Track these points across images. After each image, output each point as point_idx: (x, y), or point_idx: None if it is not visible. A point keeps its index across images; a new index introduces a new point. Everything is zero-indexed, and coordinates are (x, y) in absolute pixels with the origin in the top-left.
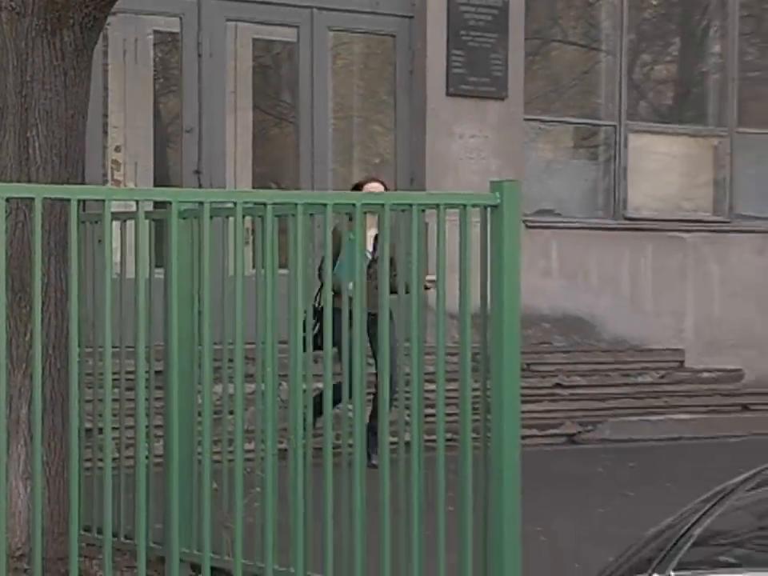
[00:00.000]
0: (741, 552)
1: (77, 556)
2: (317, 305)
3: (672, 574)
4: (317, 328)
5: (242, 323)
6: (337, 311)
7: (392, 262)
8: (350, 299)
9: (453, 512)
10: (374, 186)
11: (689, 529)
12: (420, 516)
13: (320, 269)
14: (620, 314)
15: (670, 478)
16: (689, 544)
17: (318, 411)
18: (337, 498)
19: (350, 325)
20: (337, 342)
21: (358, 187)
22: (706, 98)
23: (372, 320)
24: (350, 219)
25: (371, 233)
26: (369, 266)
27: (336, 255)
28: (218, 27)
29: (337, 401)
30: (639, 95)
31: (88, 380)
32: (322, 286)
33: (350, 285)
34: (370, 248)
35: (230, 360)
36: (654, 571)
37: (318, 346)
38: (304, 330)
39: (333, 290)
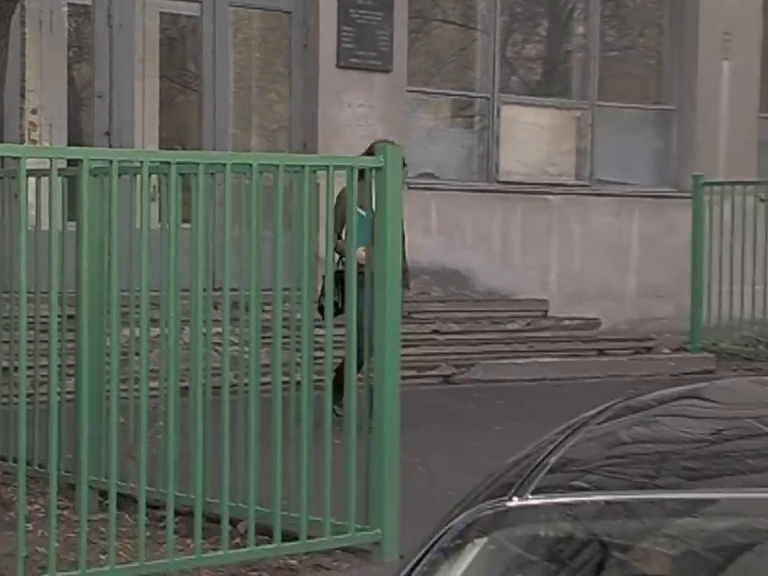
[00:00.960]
0: (591, 477)
1: None
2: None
3: (530, 497)
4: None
5: (147, 273)
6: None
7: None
8: (358, 264)
9: (339, 444)
10: None
11: (545, 457)
12: (309, 446)
13: (337, 234)
14: (492, 267)
15: (533, 415)
16: (545, 471)
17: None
18: (233, 431)
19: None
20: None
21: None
22: (570, 74)
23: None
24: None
25: None
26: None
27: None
28: (128, 1)
29: (360, 364)
30: (511, 71)
31: (5, 323)
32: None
33: (359, 249)
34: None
35: (137, 306)
36: (513, 494)
37: (340, 309)
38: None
39: (340, 254)
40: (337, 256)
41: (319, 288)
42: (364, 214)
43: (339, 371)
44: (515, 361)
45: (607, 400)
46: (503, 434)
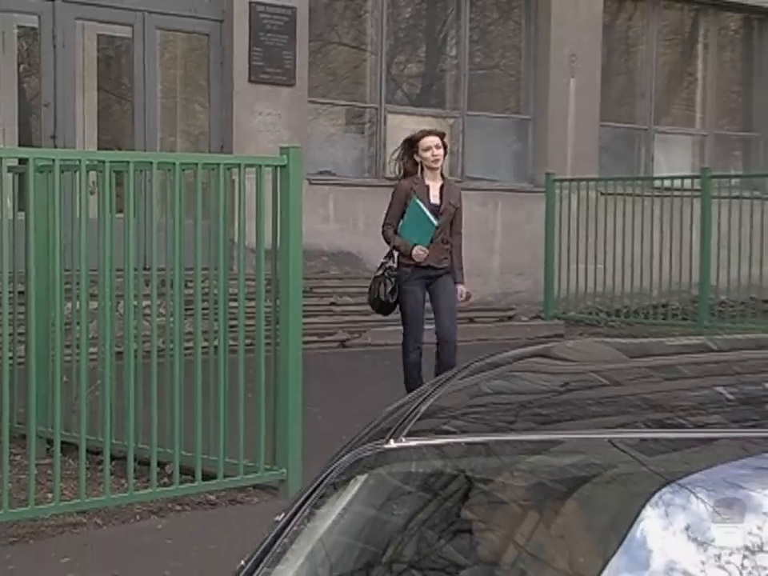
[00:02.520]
0: (456, 423)
1: None
2: (391, 264)
3: (404, 439)
4: (390, 289)
5: (86, 255)
6: (401, 271)
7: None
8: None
9: (251, 398)
10: (433, 140)
11: (417, 406)
12: (225, 400)
13: (383, 231)
14: (379, 250)
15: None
16: (417, 417)
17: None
18: (161, 388)
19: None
20: (400, 302)
21: (412, 141)
22: (444, 89)
23: (434, 276)
24: (403, 177)
25: (436, 184)
26: (435, 217)
27: (398, 211)
28: (69, 24)
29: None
30: (395, 85)
31: None
32: (393, 246)
33: (418, 249)
34: (436, 200)
35: (78, 283)
36: (390, 437)
37: (392, 305)
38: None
39: (399, 250)
40: (387, 249)
41: (371, 286)
42: (424, 208)
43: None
44: (399, 328)
45: (473, 359)
46: (388, 389)
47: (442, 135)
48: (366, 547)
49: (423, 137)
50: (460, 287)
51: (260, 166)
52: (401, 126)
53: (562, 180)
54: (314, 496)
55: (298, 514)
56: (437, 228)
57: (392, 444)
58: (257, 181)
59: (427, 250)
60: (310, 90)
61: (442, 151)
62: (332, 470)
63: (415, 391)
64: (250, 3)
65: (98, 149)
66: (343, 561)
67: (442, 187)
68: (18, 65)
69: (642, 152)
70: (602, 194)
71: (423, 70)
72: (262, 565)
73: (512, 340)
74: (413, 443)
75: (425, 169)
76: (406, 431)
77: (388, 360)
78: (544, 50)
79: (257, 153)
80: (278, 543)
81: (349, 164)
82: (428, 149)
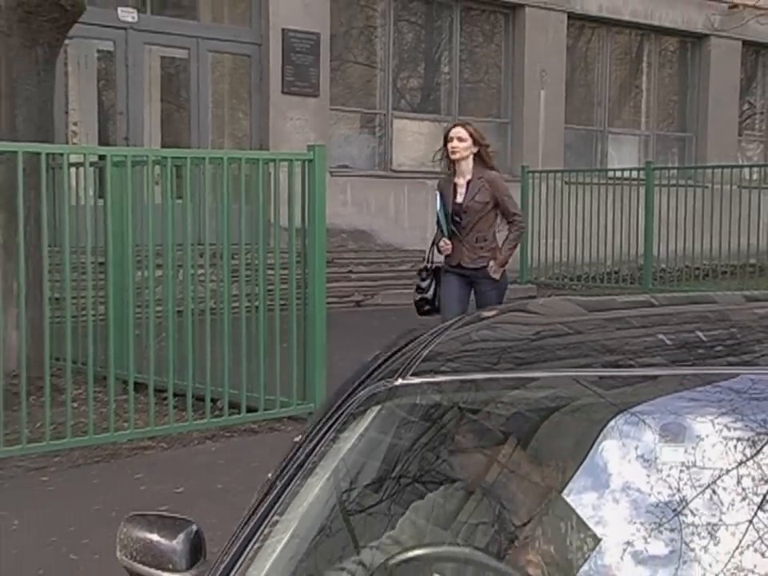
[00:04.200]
0: (452, 365)
1: (49, 375)
2: (428, 265)
3: (409, 377)
4: (432, 289)
5: (152, 233)
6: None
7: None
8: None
9: (285, 347)
10: (455, 131)
11: (420, 351)
12: (265, 349)
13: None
14: (388, 228)
15: (415, 326)
16: (420, 360)
17: None
18: (214, 339)
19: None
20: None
21: (444, 135)
22: (440, 98)
23: (471, 276)
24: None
25: (462, 180)
26: (457, 215)
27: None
28: (138, 48)
29: None
30: (400, 95)
31: (57, 268)
32: (433, 244)
33: (441, 242)
34: (459, 198)
35: (146, 255)
36: (398, 376)
37: (436, 308)
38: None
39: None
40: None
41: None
42: (438, 208)
43: None
44: (403, 291)
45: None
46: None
47: (465, 125)
48: (379, 465)
49: (448, 131)
50: (491, 262)
51: (291, 160)
52: (404, 128)
53: (534, 172)
54: (337, 423)
55: (325, 438)
56: (461, 226)
57: (400, 381)
58: (289, 173)
59: (449, 242)
60: (331, 99)
61: (461, 144)
62: (351, 403)
63: (417, 340)
64: (283, 30)
65: (161, 148)
66: (361, 476)
67: (469, 183)
68: (98, 81)
69: (599, 149)
70: (566, 183)
71: (422, 83)
72: (296, 478)
73: None
74: (417, 381)
75: (454, 163)
76: (411, 371)
77: (395, 316)
78: (519, 67)
79: (289, 150)
80: (308, 461)
81: (362, 159)
82: (449, 140)
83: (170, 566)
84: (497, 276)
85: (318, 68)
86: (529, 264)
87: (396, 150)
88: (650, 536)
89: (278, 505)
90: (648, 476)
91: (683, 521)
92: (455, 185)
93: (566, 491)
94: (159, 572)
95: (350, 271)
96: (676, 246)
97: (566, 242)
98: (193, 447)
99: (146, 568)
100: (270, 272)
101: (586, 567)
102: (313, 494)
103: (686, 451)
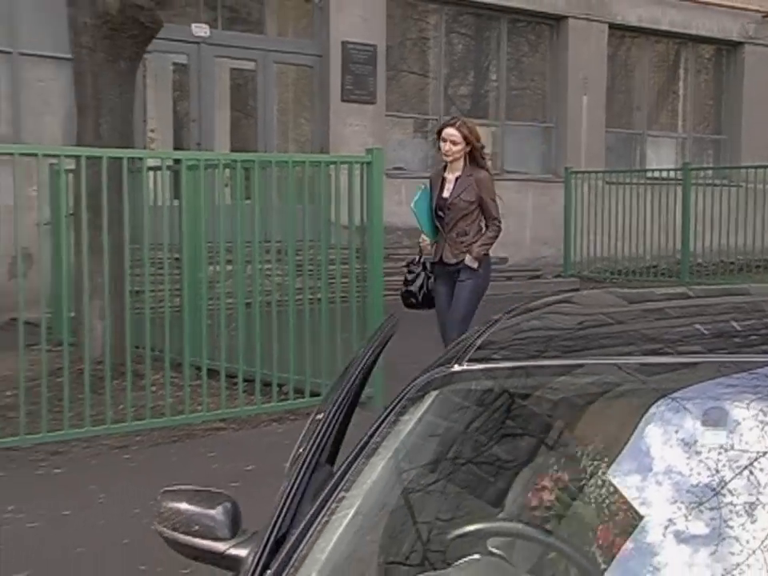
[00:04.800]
0: (503, 352)
1: (130, 361)
2: (417, 257)
3: (465, 364)
4: (417, 283)
5: (223, 230)
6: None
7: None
8: (420, 250)
9: (346, 337)
10: (448, 133)
11: (474, 340)
12: (327, 338)
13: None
14: None
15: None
16: (475, 348)
17: None
18: (280, 329)
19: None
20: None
21: (438, 131)
22: (488, 104)
23: (453, 272)
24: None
25: (452, 176)
26: (441, 210)
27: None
28: (210, 61)
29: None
30: (451, 102)
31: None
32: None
33: (420, 239)
34: (446, 193)
35: (217, 252)
36: (455, 363)
37: (417, 298)
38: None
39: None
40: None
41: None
42: (415, 201)
43: None
44: None
45: (491, 307)
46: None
47: (460, 126)
48: (435, 447)
49: (442, 128)
50: (468, 256)
51: (351, 163)
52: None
53: (577, 172)
54: (397, 407)
55: (386, 421)
56: (444, 222)
57: (456, 368)
58: (349, 174)
59: (427, 240)
60: (387, 106)
61: (454, 147)
62: (410, 388)
63: (472, 330)
64: (343, 43)
65: (231, 152)
66: (419, 456)
67: (458, 179)
68: (173, 92)
69: (638, 151)
70: (607, 183)
71: (472, 90)
72: (360, 457)
73: (539, 293)
74: (471, 367)
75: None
76: (466, 358)
77: None
78: (563, 74)
79: (348, 153)
80: (372, 441)
81: (416, 162)
82: (443, 141)
83: (215, 536)
84: (473, 264)
85: (374, 77)
86: (572, 259)
87: None
88: (691, 515)
89: (343, 482)
90: (689, 458)
91: (723, 501)
92: (444, 179)
93: (610, 472)
94: (205, 541)
95: (407, 265)
96: (711, 242)
97: (607, 238)
98: (261, 429)
99: (191, 538)
100: (331, 267)
101: (630, 545)
102: (375, 473)
103: (724, 434)
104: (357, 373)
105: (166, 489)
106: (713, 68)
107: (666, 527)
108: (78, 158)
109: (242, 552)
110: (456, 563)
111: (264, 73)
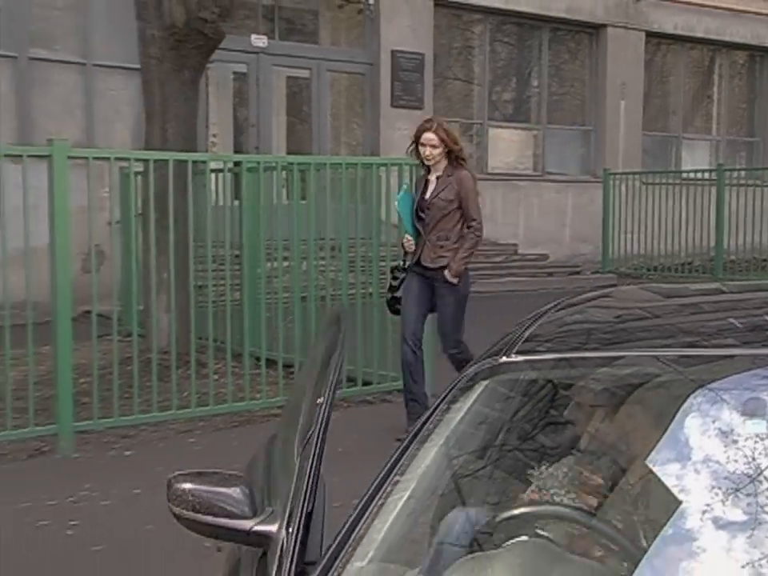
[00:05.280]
0: (548, 345)
1: (194, 351)
2: (401, 263)
3: (512, 356)
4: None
5: (281, 229)
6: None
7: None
8: (405, 252)
9: (396, 328)
10: (427, 138)
11: (521, 333)
12: (378, 330)
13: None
14: (484, 224)
15: (511, 311)
16: (521, 341)
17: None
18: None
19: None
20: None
21: (415, 135)
22: (530, 109)
23: (431, 277)
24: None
25: (434, 177)
26: (422, 211)
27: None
28: (268, 70)
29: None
30: (494, 107)
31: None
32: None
33: (404, 238)
34: (427, 194)
35: (275, 249)
36: (503, 354)
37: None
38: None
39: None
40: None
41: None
42: (398, 202)
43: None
44: (499, 280)
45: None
46: (488, 325)
47: (436, 129)
48: (484, 434)
49: (419, 133)
50: (447, 273)
51: (401, 165)
52: (498, 136)
53: (614, 174)
54: (448, 397)
55: (438, 410)
56: (425, 222)
57: (503, 359)
58: (399, 176)
59: (410, 238)
60: (434, 111)
61: (434, 151)
62: (460, 378)
63: (520, 322)
64: (392, 51)
65: (287, 155)
66: (468, 443)
67: (438, 179)
68: (233, 99)
69: (673, 153)
70: (643, 183)
71: (514, 95)
72: (413, 443)
73: (579, 288)
74: (518, 359)
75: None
76: (513, 350)
77: (492, 302)
78: (602, 80)
79: (398, 156)
80: (424, 428)
81: None
82: (422, 146)
83: (237, 514)
84: (453, 280)
85: (422, 84)
86: (610, 256)
87: (491, 155)
88: (728, 501)
89: (398, 466)
90: (726, 447)
91: (760, 488)
92: (428, 181)
93: (650, 459)
94: (228, 520)
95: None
96: (744, 240)
97: (644, 236)
98: None
99: (213, 518)
100: (381, 263)
101: (670, 529)
102: (428, 458)
103: (759, 423)
104: (339, 362)
105: (178, 473)
106: (746, 73)
107: (705, 512)
108: (146, 161)
109: (269, 528)
110: (504, 545)
111: (318, 80)
